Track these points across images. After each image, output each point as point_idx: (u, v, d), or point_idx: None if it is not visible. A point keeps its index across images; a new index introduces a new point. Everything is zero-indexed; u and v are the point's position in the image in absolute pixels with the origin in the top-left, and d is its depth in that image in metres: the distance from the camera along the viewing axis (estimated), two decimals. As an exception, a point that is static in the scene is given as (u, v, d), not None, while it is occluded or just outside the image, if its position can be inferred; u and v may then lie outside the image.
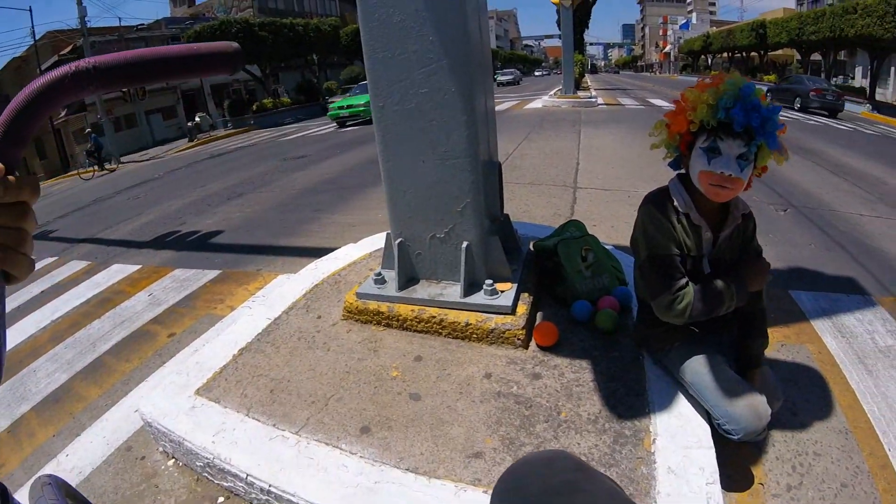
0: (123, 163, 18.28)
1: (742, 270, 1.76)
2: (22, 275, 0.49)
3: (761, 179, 1.80)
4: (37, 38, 25.19)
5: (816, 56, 29.02)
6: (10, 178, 0.45)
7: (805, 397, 2.26)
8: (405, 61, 2.26)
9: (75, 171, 18.22)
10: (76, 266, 5.58)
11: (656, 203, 1.76)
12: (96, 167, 16.93)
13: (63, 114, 26.24)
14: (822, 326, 2.81)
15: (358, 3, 2.27)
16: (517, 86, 36.44)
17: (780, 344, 2.66)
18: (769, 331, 1.96)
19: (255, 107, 25.37)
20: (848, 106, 17.90)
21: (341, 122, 17.60)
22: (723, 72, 1.67)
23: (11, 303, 4.77)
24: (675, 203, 1.74)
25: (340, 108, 17.45)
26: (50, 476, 1.08)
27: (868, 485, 1.79)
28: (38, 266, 5.93)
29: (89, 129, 18.39)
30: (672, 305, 1.70)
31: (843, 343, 2.64)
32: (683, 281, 1.71)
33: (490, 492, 0.79)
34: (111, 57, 0.47)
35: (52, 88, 0.46)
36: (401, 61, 2.27)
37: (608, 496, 0.71)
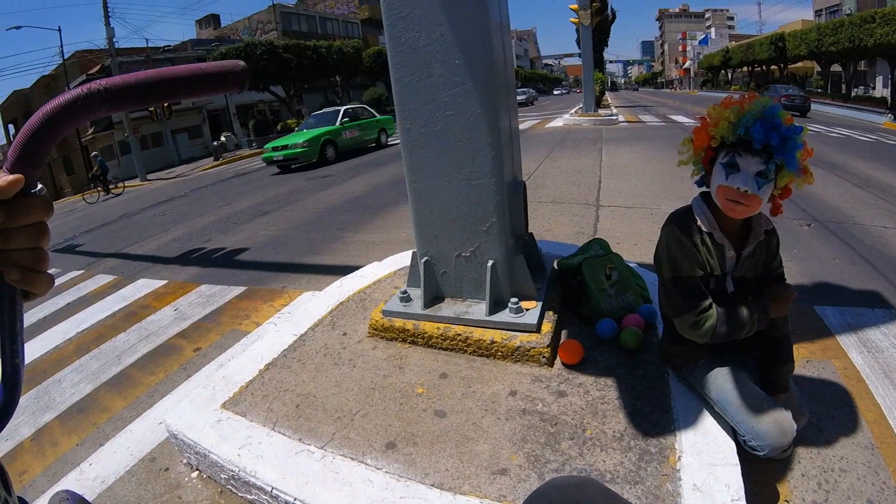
0: (134, 184, 18.53)
1: (766, 297, 1.76)
2: (41, 292, 0.50)
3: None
4: (65, 57, 26.07)
5: (837, 67, 28.70)
6: (26, 199, 0.47)
7: (830, 413, 2.22)
8: (431, 84, 2.30)
9: (80, 194, 18.42)
10: (102, 280, 5.72)
11: (679, 223, 1.77)
12: (101, 189, 17.06)
13: (91, 131, 26.98)
14: (847, 342, 2.77)
15: (385, 28, 2.32)
16: (532, 106, 36.45)
17: (806, 360, 2.62)
18: (794, 346, 1.94)
19: (279, 127, 25.93)
20: (869, 116, 19.22)
21: (283, 167, 13.81)
22: (754, 92, 1.68)
23: (37, 314, 4.91)
24: (699, 222, 1.74)
25: (275, 148, 13.67)
26: (68, 492, 1.11)
27: (895, 501, 1.75)
28: (64, 279, 6.10)
29: (96, 153, 18.47)
30: (696, 326, 1.72)
31: (868, 358, 2.59)
32: (707, 302, 1.71)
33: None
34: (121, 79, 0.48)
35: (65, 111, 0.47)
36: (427, 84, 2.31)
37: None
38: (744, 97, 1.64)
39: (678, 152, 1.83)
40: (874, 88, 29.54)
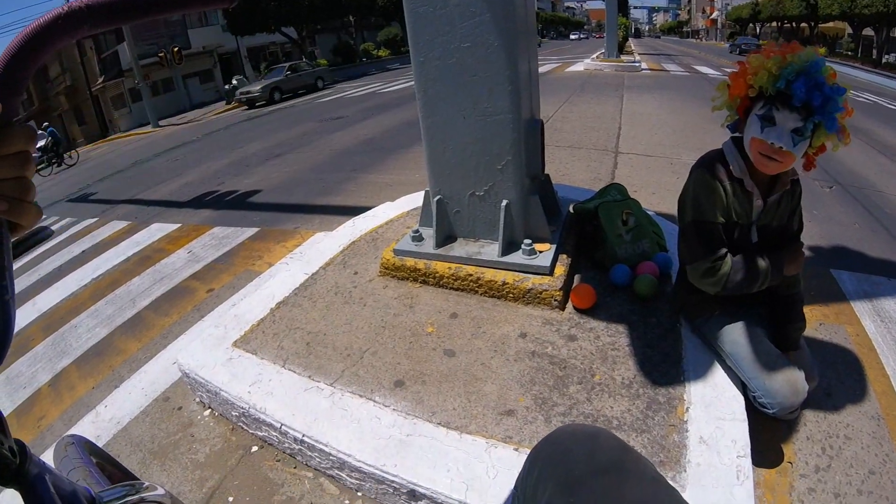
0: (145, 131, 17.77)
1: (783, 253, 1.72)
2: (29, 224, 0.49)
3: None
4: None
5: (869, 31, 27.32)
6: (7, 128, 0.45)
7: (840, 379, 2.18)
8: (447, 15, 2.19)
9: (88, 145, 17.68)
10: (117, 226, 5.75)
11: (710, 167, 1.70)
12: (55, 162, 15.31)
13: (100, 80, 26.74)
14: (861, 309, 2.71)
15: (398, -42, 2.20)
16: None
17: (819, 323, 2.58)
18: (808, 308, 1.88)
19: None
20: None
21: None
22: (795, 43, 1.57)
23: (53, 262, 4.98)
24: (731, 167, 1.67)
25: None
26: (73, 436, 1.10)
27: None
28: (79, 227, 6.15)
29: (46, 123, 16.65)
30: (709, 273, 1.68)
31: (881, 328, 2.53)
32: (723, 251, 1.67)
33: (521, 450, 0.78)
34: None
35: (45, 31, 0.45)
36: (442, 15, 2.19)
37: (652, 481, 0.70)
38: (786, 47, 1.53)
39: (711, 98, 1.74)
40: (907, 55, 28.15)
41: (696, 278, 1.74)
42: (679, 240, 1.91)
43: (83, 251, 5.11)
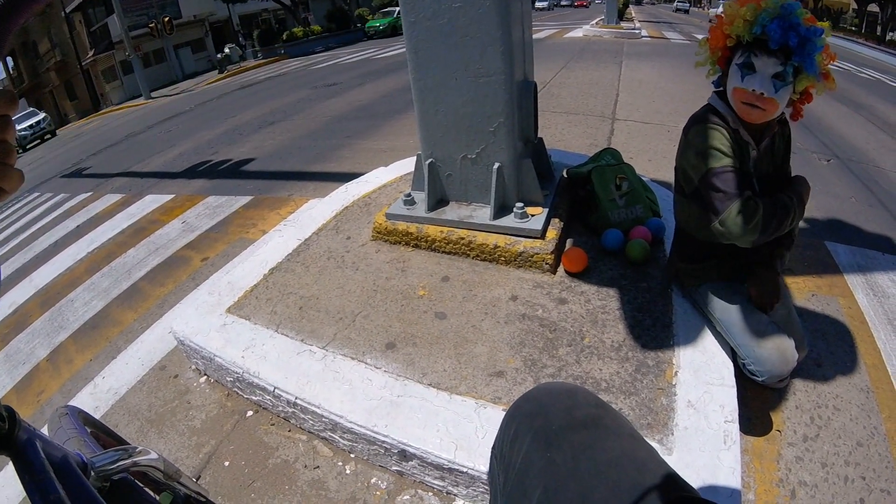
0: (138, 103, 17.41)
1: (795, 185, 1.69)
2: (12, 187, 0.49)
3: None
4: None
5: (874, 7, 26.77)
6: None
7: (831, 350, 2.19)
8: (438, -27, 2.12)
9: (84, 118, 17.21)
10: (111, 199, 5.71)
11: (707, 120, 1.67)
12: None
13: (91, 54, 26.27)
14: (854, 282, 2.71)
15: None
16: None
17: (812, 293, 2.58)
18: (802, 279, 1.86)
19: (284, 36, 24.76)
20: None
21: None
22: None
23: (49, 238, 4.97)
24: (728, 119, 1.64)
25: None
26: (68, 407, 1.11)
27: (883, 447, 1.74)
28: (73, 202, 6.11)
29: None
30: (747, 217, 1.53)
31: (874, 301, 2.54)
32: (749, 193, 1.57)
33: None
34: None
35: None
36: (433, -27, 2.13)
37: (630, 437, 0.70)
38: None
39: (695, 53, 1.74)
40: (912, 34, 27.65)
41: (730, 227, 1.55)
42: (678, 206, 1.88)
43: (78, 226, 5.08)
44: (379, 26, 24.77)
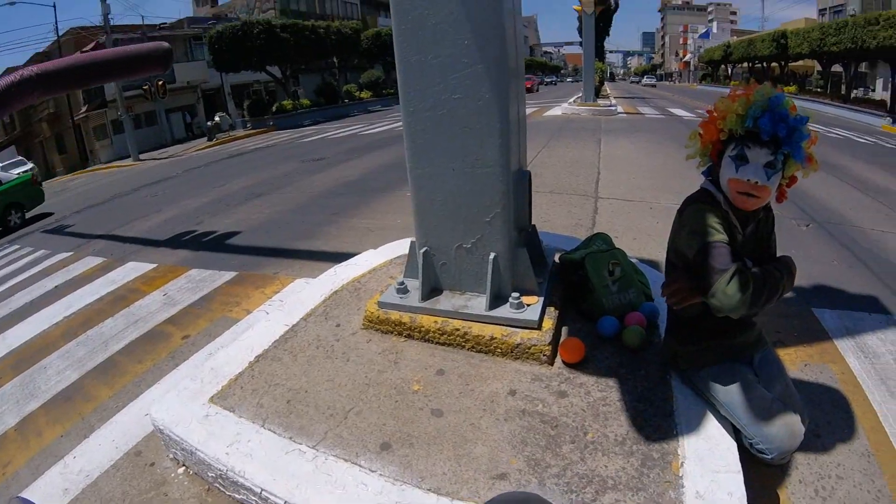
0: (126, 164, 17.47)
1: (783, 260, 1.75)
2: None
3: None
4: (60, 34, 25.71)
5: (838, 67, 28.65)
6: None
7: (828, 419, 2.21)
8: (439, 66, 2.19)
9: (71, 174, 17.15)
10: (91, 262, 5.60)
11: (704, 201, 1.76)
12: None
13: (84, 109, 26.62)
14: (845, 346, 2.76)
15: (391, 5, 2.21)
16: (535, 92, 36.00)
17: (804, 363, 2.61)
18: (792, 349, 2.03)
19: (274, 108, 25.45)
20: (868, 118, 18.78)
21: None
22: (754, 82, 1.70)
23: (25, 297, 4.82)
24: (720, 203, 1.73)
25: None
26: (20, 498, 1.03)
27: None
28: (52, 260, 6.00)
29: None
30: (736, 288, 1.55)
31: (865, 364, 2.58)
32: (741, 265, 1.60)
33: None
34: (52, 64, 0.50)
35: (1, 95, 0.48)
36: (434, 65, 2.20)
37: None
38: (747, 88, 1.66)
39: (685, 146, 1.85)
40: (874, 90, 29.50)
41: (722, 297, 1.58)
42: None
43: (56, 286, 4.95)
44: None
